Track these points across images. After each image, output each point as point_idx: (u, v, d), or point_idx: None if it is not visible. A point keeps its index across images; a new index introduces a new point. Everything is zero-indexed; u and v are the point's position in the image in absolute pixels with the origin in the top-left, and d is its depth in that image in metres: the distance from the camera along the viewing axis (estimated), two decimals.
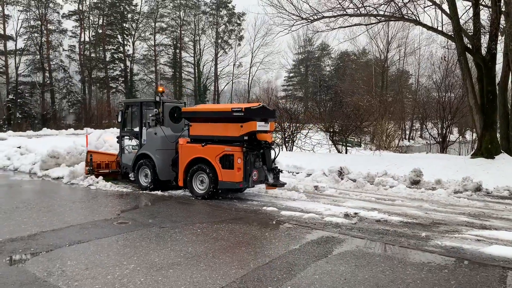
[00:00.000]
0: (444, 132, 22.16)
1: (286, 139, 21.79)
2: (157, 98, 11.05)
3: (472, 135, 27.98)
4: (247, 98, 43.44)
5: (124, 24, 58.82)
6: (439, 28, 17.08)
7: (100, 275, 4.72)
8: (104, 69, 56.88)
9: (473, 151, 16.85)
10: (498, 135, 16.41)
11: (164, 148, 10.60)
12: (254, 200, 9.68)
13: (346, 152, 21.56)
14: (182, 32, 61.20)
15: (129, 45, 59.21)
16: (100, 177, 11.94)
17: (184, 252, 5.61)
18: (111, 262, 5.17)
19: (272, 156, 10.19)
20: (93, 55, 56.13)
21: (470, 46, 15.83)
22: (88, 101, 54.78)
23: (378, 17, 17.41)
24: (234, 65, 62.46)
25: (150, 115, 10.95)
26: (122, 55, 58.82)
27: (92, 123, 46.32)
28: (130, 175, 11.78)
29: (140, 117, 11.36)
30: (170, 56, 62.57)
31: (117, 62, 59.24)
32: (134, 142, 12.00)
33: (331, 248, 5.92)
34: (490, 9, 15.71)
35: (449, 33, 16.68)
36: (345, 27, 18.33)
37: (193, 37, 61.72)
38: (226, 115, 9.37)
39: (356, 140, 24.26)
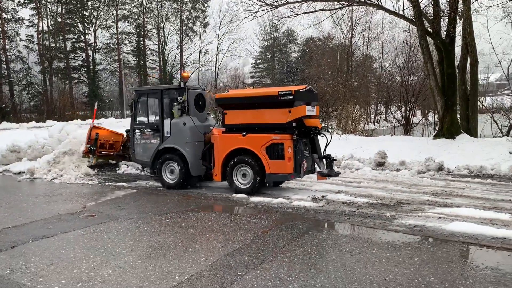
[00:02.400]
0: (407, 114, 22.72)
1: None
2: (182, 84, 9.87)
3: (434, 117, 28.87)
4: (215, 85, 43.09)
5: (85, 12, 56.81)
6: (401, 13, 17.42)
7: (66, 270, 4.62)
8: (65, 59, 54.90)
9: (435, 132, 17.40)
10: (458, 116, 16.99)
11: (194, 140, 9.60)
12: (223, 188, 9.68)
13: None
14: (145, 19, 59.74)
15: (91, 34, 57.34)
16: (73, 170, 11.15)
17: (152, 242, 5.56)
18: (78, 256, 5.06)
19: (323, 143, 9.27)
20: (52, 44, 54.04)
21: (431, 30, 16.23)
22: (50, 92, 52.87)
23: (342, 2, 17.57)
24: (200, 52, 61.65)
25: (175, 103, 9.81)
26: (83, 44, 56.93)
27: (54, 115, 44.84)
28: (145, 170, 10.85)
29: (160, 107, 10.02)
30: (134, 44, 61.08)
31: (78, 51, 57.32)
32: (146, 135, 10.41)
33: (299, 231, 6.00)
34: None
35: (410, 17, 17.04)
36: (309, 12, 18.45)
37: (156, 24, 60.38)
38: (271, 99, 8.43)
39: (323, 125, 24.52)
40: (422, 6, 16.26)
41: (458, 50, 18.01)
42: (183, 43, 61.41)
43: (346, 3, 18.05)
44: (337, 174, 8.90)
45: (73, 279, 4.37)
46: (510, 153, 12.30)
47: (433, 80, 15.99)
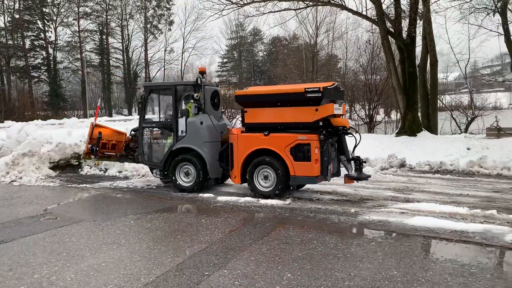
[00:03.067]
0: (371, 113, 23.22)
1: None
2: (198, 80, 9.16)
3: (396, 115, 29.64)
4: None
5: (44, 9, 54.89)
6: (364, 13, 17.78)
7: (25, 275, 4.46)
8: (24, 57, 52.82)
9: (398, 129, 17.88)
10: (419, 114, 17.53)
11: (212, 140, 9.00)
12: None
13: None
14: (108, 17, 58.43)
15: (51, 32, 55.46)
16: (33, 171, 10.56)
17: (117, 244, 5.45)
18: (38, 261, 4.90)
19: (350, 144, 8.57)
20: (10, 42, 51.96)
21: (392, 30, 16.65)
22: (8, 92, 50.82)
23: (306, 2, 17.75)
24: (165, 50, 60.85)
25: (192, 100, 9.15)
26: (43, 42, 55.03)
27: (13, 116, 43.14)
28: (154, 171, 9.92)
29: (174, 104, 9.23)
30: (97, 42, 59.55)
31: (38, 49, 55.33)
32: (158, 135, 9.64)
33: (266, 229, 6.03)
34: None
35: (373, 18, 17.42)
36: (274, 11, 18.55)
37: (120, 22, 59.17)
38: (297, 97, 7.87)
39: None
40: (384, 6, 16.67)
41: (418, 50, 18.59)
42: (148, 41, 60.48)
43: (311, 3, 18.26)
44: (366, 177, 8.14)
45: (33, 284, 4.22)
46: (468, 149, 12.80)
47: (395, 79, 16.42)
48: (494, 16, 18.47)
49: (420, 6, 16.22)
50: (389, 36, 16.68)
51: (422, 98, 17.71)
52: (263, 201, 7.83)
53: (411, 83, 16.47)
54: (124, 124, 30.57)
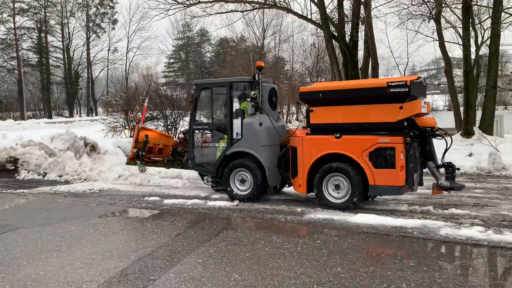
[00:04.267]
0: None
1: (169, 127, 21.42)
2: (256, 77, 8.19)
3: None
4: (125, 85, 41.49)
5: None
6: (309, 17, 18.21)
7: None
8: None
9: None
10: None
11: (271, 143, 8.06)
12: (136, 191, 9.36)
13: None
14: (48, 14, 55.68)
15: None
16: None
17: (57, 251, 5.20)
18: None
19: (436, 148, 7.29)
20: None
21: (336, 34, 17.17)
22: None
23: (253, 4, 17.90)
24: (108, 50, 58.97)
25: (249, 99, 8.17)
26: None
27: None
28: (205, 178, 8.96)
29: (229, 103, 8.32)
30: (35, 40, 56.59)
31: None
32: (209, 138, 8.81)
33: (213, 231, 6.00)
34: (352, 0, 17.17)
35: (318, 22, 17.87)
36: (221, 13, 18.56)
37: (60, 20, 56.57)
38: (377, 92, 6.75)
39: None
40: (328, 11, 17.16)
41: (361, 53, 19.29)
42: (90, 40, 58.31)
43: (257, 5, 18.43)
44: (461, 187, 6.98)
45: None
46: None
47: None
48: (429, 22, 19.51)
49: (362, 11, 16.85)
50: (333, 40, 17.19)
51: None
52: (210, 203, 7.79)
53: None
54: (65, 126, 29.34)
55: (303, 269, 4.45)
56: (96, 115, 51.10)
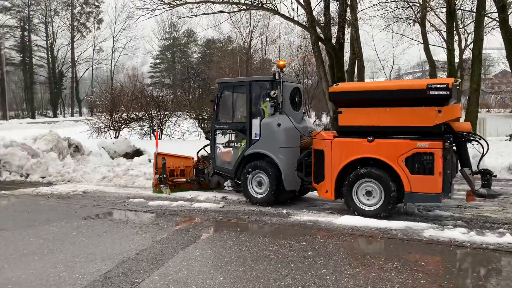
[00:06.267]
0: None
1: (154, 128, 21.30)
2: (277, 76, 7.89)
3: (327, 118, 30.73)
4: (110, 85, 41.08)
5: None
6: (296, 19, 18.25)
7: None
8: None
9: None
10: None
11: (290, 145, 7.73)
12: (120, 192, 9.27)
13: None
14: (31, 12, 54.91)
15: None
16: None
17: (39, 255, 5.11)
18: None
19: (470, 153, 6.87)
20: None
21: (323, 36, 17.25)
22: None
23: (240, 5, 17.87)
24: (93, 50, 58.46)
25: (268, 99, 7.85)
26: None
27: None
28: (225, 184, 8.79)
29: (249, 103, 8.08)
30: (17, 39, 55.74)
31: None
32: (229, 137, 8.64)
33: (199, 233, 5.97)
34: (338, 2, 17.28)
35: (304, 24, 17.93)
36: (208, 13, 18.47)
37: (44, 18, 55.84)
38: (415, 95, 6.38)
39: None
40: (314, 13, 17.21)
41: (347, 56, 19.43)
42: (75, 40, 57.72)
43: (244, 7, 18.41)
44: (497, 195, 6.68)
45: None
46: None
47: (325, 83, 16.99)
48: (414, 26, 19.80)
49: (348, 14, 16.97)
50: (319, 42, 17.27)
51: None
52: (196, 205, 7.75)
53: None
54: (49, 126, 28.95)
55: (288, 271, 4.45)
56: (81, 115, 50.52)
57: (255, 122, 7.99)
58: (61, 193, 9.34)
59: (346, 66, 18.80)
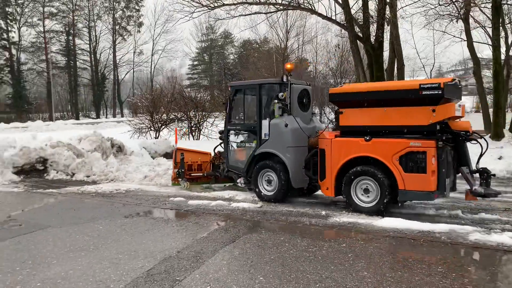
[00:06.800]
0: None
1: (193, 128, 21.63)
2: (284, 78, 8.35)
3: None
4: (150, 87, 42.10)
5: (7, 8, 53.11)
6: (333, 18, 18.03)
7: None
8: None
9: None
10: None
11: (297, 145, 8.06)
12: (161, 191, 9.48)
13: None
14: (75, 17, 57.07)
15: (14, 32, 53.75)
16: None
17: (85, 251, 5.31)
18: (2, 270, 4.71)
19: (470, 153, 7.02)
20: None
21: (361, 35, 16.96)
22: None
23: (277, 6, 17.86)
24: (134, 52, 60.13)
25: (276, 101, 8.27)
26: (6, 42, 53.19)
27: None
28: (238, 181, 9.15)
29: (258, 105, 8.57)
30: (63, 43, 58.12)
31: (0, 50, 53.47)
32: (241, 137, 9.04)
33: (238, 233, 6.02)
34: (377, 0, 16.96)
35: (342, 22, 17.70)
36: (245, 15, 18.55)
37: (87, 23, 57.93)
38: (408, 95, 6.56)
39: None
40: (352, 11, 16.97)
41: (386, 54, 19.02)
42: (116, 43, 59.57)
43: (281, 7, 18.38)
44: (496, 194, 6.67)
45: None
46: None
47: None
48: (457, 23, 19.09)
49: (388, 12, 16.61)
50: (357, 41, 17.00)
51: None
52: (234, 205, 7.81)
53: None
54: (92, 127, 29.99)
55: (329, 273, 4.41)
56: (122, 116, 52.02)
57: (265, 123, 8.38)
58: (105, 192, 9.66)
59: (385, 65, 18.40)
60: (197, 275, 4.44)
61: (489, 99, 20.20)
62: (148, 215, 7.45)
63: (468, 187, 6.75)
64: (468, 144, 6.86)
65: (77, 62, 58.96)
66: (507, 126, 15.47)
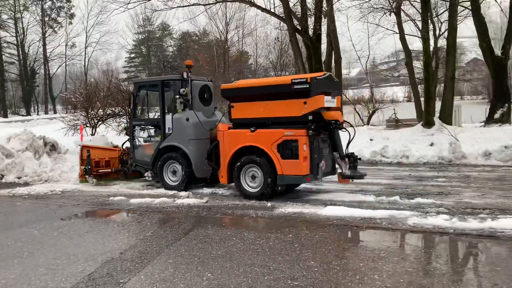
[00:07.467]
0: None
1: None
2: (185, 75, 8.79)
3: None
4: (85, 81, 40.21)
5: None
6: (272, 10, 18.20)
7: None
8: None
9: None
10: None
11: (199, 137, 8.60)
12: (100, 191, 9.09)
13: None
14: None
15: None
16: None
17: (18, 258, 4.94)
18: None
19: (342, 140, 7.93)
20: None
21: (300, 28, 17.24)
22: None
23: None
24: (66, 45, 56.97)
25: (177, 96, 8.73)
26: None
27: None
28: (146, 175, 9.51)
29: (161, 100, 9.00)
30: None
31: None
32: (146, 132, 9.56)
33: (184, 230, 5.89)
34: None
35: (281, 15, 17.89)
36: (183, 6, 18.28)
37: (13, 14, 54.06)
38: (283, 89, 7.32)
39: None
40: (291, 4, 17.22)
41: (324, 47, 19.49)
42: (46, 35, 56.11)
43: None
44: (362, 175, 7.57)
45: None
46: (371, 140, 13.70)
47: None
48: (390, 16, 19.95)
49: (324, 5, 16.99)
50: (296, 34, 17.26)
51: None
52: (179, 201, 7.66)
53: None
54: (22, 125, 28.18)
55: (276, 265, 4.42)
56: (55, 113, 49.33)
57: (168, 117, 8.86)
58: (39, 194, 9.09)
59: (323, 58, 18.85)
60: (142, 276, 4.27)
61: (420, 88, 21.36)
62: (87, 216, 7.10)
63: (340, 171, 7.56)
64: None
65: (3, 56, 54.91)
66: (437, 114, 16.41)
